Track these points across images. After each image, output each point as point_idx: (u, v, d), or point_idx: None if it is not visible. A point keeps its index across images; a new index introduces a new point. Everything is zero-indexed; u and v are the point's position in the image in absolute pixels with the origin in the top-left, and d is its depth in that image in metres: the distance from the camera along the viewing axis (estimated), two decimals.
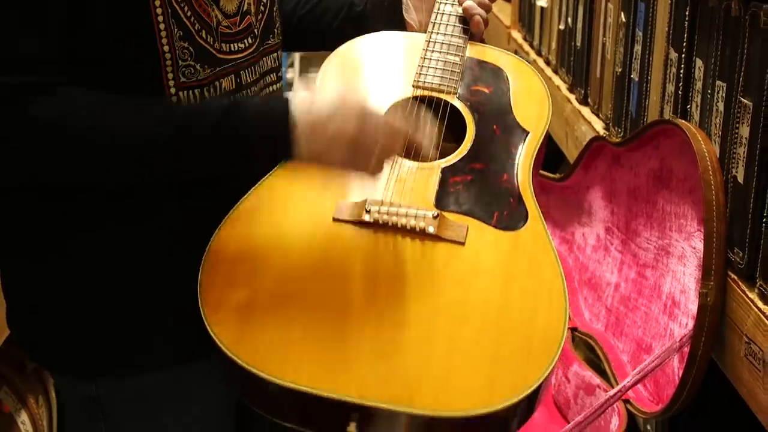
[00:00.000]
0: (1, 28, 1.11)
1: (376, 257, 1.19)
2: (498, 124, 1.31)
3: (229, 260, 1.19)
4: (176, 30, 1.19)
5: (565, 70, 2.08)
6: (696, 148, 1.27)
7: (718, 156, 1.27)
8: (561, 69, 2.12)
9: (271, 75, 1.37)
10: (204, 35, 1.22)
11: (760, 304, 1.16)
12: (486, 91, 1.35)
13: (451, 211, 1.22)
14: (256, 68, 1.31)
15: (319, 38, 1.55)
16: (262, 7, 1.33)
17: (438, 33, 1.38)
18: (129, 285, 1.24)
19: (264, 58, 1.34)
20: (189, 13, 1.20)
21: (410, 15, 1.48)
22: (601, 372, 1.53)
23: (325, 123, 1.12)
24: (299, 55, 4.95)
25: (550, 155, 2.37)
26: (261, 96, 1.18)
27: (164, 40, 1.18)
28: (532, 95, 1.35)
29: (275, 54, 1.38)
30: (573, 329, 1.63)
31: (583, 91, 1.94)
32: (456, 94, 1.33)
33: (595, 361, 1.62)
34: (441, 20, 1.39)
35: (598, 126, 1.81)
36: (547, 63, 2.26)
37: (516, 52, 2.60)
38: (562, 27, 2.10)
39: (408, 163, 1.26)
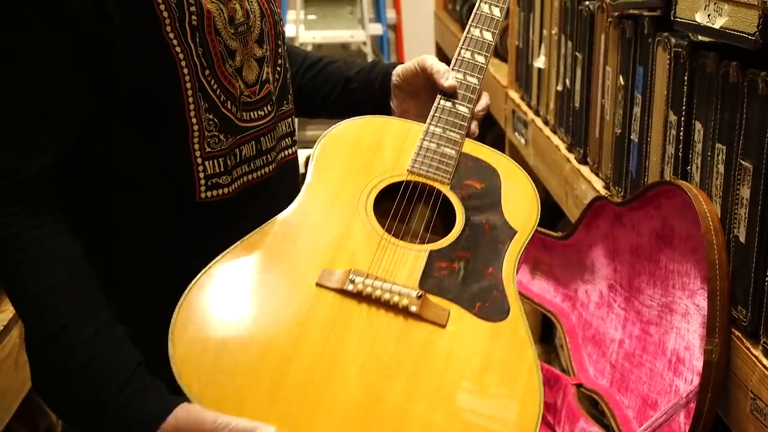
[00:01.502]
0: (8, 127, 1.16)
1: (356, 329, 1.20)
2: (487, 218, 1.35)
3: (201, 317, 1.19)
4: (203, 103, 1.24)
5: (563, 129, 2.12)
6: (698, 208, 1.31)
7: (719, 216, 1.31)
8: (560, 129, 2.16)
9: (287, 139, 1.42)
10: (229, 106, 1.27)
11: (764, 360, 1.19)
12: (478, 186, 1.39)
13: (434, 294, 1.25)
14: (273, 134, 1.36)
15: (315, 108, 1.60)
16: (277, 75, 1.38)
17: (436, 125, 1.41)
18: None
19: (279, 124, 1.39)
20: (215, 86, 1.25)
21: (394, 102, 1.54)
22: (608, 428, 1.55)
23: None
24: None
25: (549, 212, 2.42)
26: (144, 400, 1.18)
27: (192, 113, 1.23)
28: (523, 197, 1.39)
29: (289, 119, 1.43)
30: (578, 385, 1.65)
31: (582, 151, 1.98)
32: (449, 184, 1.37)
33: (600, 417, 1.64)
34: (439, 113, 1.43)
35: (598, 185, 1.85)
36: (546, 123, 2.31)
37: (513, 112, 2.65)
38: (560, 88, 2.15)
39: (397, 242, 1.29)
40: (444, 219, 1.37)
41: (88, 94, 1.19)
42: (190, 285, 1.20)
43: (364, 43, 5.24)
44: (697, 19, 1.31)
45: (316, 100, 1.58)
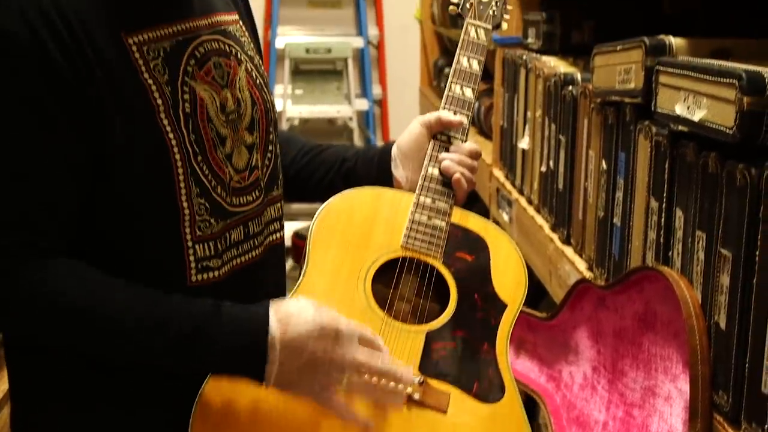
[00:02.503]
0: (17, 186, 1.18)
1: (361, 419, 1.24)
2: (479, 293, 1.39)
3: (217, 412, 1.23)
4: (194, 188, 1.26)
5: (547, 210, 2.16)
6: (679, 294, 1.34)
7: (700, 302, 1.33)
8: (543, 209, 2.20)
9: (275, 224, 1.44)
10: (219, 191, 1.30)
11: None
12: (468, 258, 1.42)
13: (434, 378, 1.28)
14: (261, 219, 1.38)
15: (310, 192, 1.63)
16: (267, 162, 1.41)
17: (426, 196, 1.44)
18: None
19: (268, 209, 1.41)
20: (207, 172, 1.28)
21: (398, 171, 1.55)
22: None
23: (299, 348, 1.19)
24: None
25: (533, 291, 2.44)
26: (243, 306, 1.24)
27: (183, 198, 1.25)
28: (510, 267, 1.43)
29: (278, 204, 1.45)
30: None
31: (566, 232, 2.01)
32: (440, 259, 1.40)
33: None
34: (428, 182, 1.46)
35: (582, 266, 1.88)
36: (530, 202, 2.34)
37: (498, 190, 2.69)
38: (543, 169, 2.19)
39: (395, 325, 1.32)
40: (439, 290, 1.39)
41: (88, 174, 1.22)
42: (202, 388, 1.24)
43: (351, 119, 5.31)
44: (677, 111, 1.35)
45: (310, 185, 1.60)
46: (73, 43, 1.16)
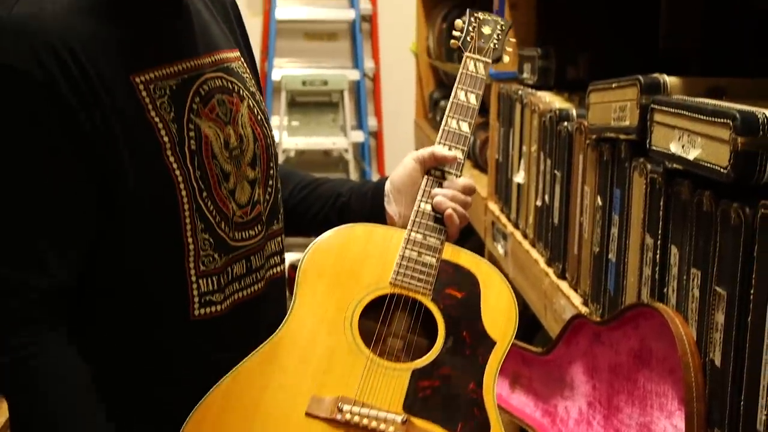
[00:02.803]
0: (28, 223, 1.19)
1: None
2: (467, 330, 1.38)
3: None
4: (199, 223, 1.28)
5: (542, 244, 2.17)
6: (675, 331, 1.35)
7: (695, 339, 1.34)
8: (539, 243, 2.21)
9: (275, 257, 1.45)
10: (223, 226, 1.31)
11: None
12: (458, 295, 1.42)
13: (418, 416, 1.28)
14: (263, 253, 1.40)
15: (305, 226, 1.63)
16: (267, 196, 1.42)
17: (417, 232, 1.44)
18: None
19: (269, 242, 1.42)
20: (211, 208, 1.29)
21: (391, 207, 1.55)
22: None
23: None
24: None
25: (527, 324, 2.45)
26: None
27: (189, 233, 1.27)
28: (501, 305, 1.42)
29: (279, 238, 1.46)
30: None
31: (561, 266, 2.02)
32: (430, 296, 1.40)
33: None
34: (419, 218, 1.46)
35: (577, 301, 1.89)
36: (525, 236, 2.35)
37: (493, 224, 2.70)
38: (539, 203, 2.20)
39: (381, 362, 1.33)
40: (427, 327, 1.40)
41: (97, 212, 1.23)
42: (186, 422, 1.24)
43: (346, 150, 5.33)
44: (671, 149, 1.37)
45: (306, 219, 1.61)
46: (83, 82, 1.18)
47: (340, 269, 1.42)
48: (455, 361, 1.35)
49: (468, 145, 1.54)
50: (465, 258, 1.46)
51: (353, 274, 1.41)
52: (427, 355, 1.35)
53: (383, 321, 1.38)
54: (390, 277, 1.40)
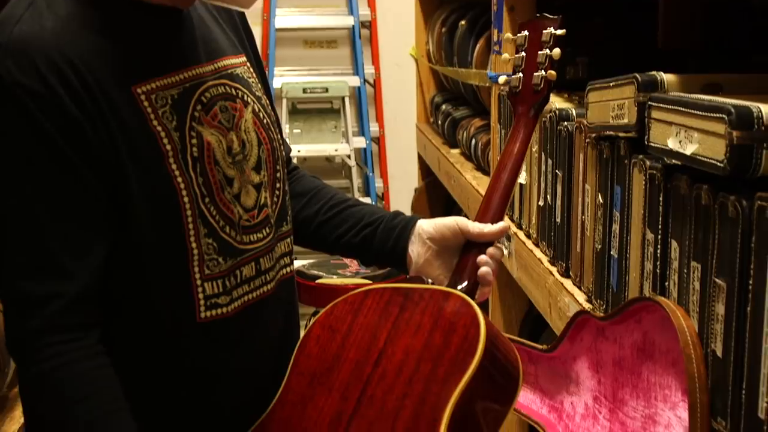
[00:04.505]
0: (49, 233, 1.22)
1: None
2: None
3: None
4: (202, 228, 1.30)
5: (546, 243, 2.19)
6: (676, 324, 1.37)
7: (697, 331, 1.36)
8: (542, 242, 2.23)
9: (285, 258, 1.48)
10: (227, 230, 1.34)
11: None
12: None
13: None
14: (272, 254, 1.42)
15: (329, 246, 1.64)
16: (275, 199, 1.45)
17: None
18: None
19: (278, 244, 1.45)
20: (215, 213, 1.32)
21: (413, 247, 1.56)
22: None
23: None
24: None
25: (533, 324, 2.47)
26: None
27: (192, 238, 1.29)
28: None
29: (288, 239, 1.49)
30: None
31: (564, 265, 2.04)
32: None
33: None
34: None
35: (581, 298, 1.91)
36: (528, 236, 2.38)
37: None
38: (541, 203, 2.23)
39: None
40: None
41: (109, 220, 1.26)
42: None
43: (349, 156, 5.35)
44: (669, 145, 1.39)
45: (330, 239, 1.62)
46: (85, 94, 1.21)
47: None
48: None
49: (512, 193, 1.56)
50: None
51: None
52: None
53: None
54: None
